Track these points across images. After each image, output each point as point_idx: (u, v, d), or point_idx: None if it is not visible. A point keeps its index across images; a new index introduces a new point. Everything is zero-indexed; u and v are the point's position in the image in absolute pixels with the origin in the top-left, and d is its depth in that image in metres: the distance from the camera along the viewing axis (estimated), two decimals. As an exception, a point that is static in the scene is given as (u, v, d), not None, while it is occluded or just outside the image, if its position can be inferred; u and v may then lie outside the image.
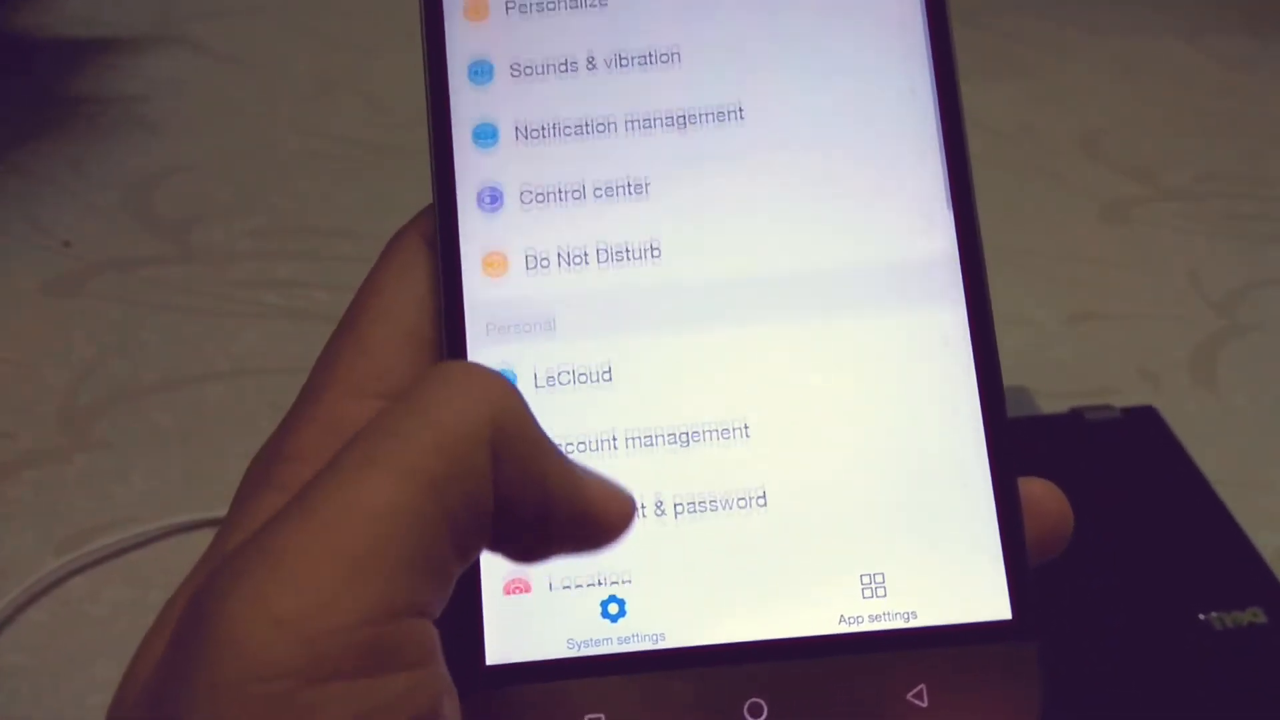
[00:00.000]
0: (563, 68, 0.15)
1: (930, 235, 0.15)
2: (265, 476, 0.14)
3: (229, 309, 0.51)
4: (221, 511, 0.42)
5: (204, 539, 0.43)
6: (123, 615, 0.39)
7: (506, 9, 0.16)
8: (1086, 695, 0.36)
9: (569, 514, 0.12)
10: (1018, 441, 0.48)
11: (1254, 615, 0.38)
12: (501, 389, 0.12)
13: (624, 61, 0.15)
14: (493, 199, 0.16)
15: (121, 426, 0.46)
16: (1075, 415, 0.45)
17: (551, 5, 0.15)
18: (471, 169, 0.15)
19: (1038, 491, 0.15)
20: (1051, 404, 0.47)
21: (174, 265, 0.53)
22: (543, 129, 0.16)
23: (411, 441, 0.11)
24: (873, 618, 0.14)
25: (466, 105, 0.16)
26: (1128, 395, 0.48)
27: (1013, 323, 0.53)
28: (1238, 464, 0.47)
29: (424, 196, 0.62)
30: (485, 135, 0.16)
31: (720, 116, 0.15)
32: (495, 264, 0.15)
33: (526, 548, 0.12)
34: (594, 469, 0.13)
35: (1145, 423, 0.45)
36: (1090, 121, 0.66)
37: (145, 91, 0.62)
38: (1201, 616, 0.38)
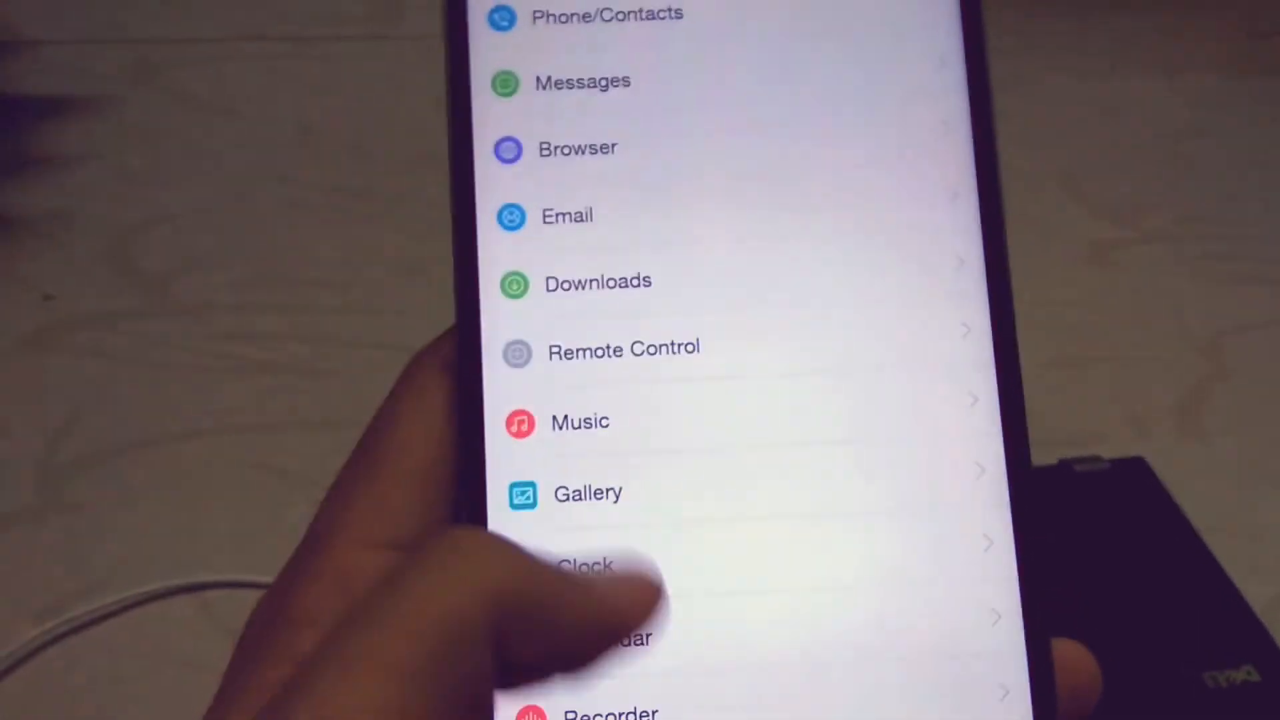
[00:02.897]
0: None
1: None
2: (271, 641, 0.13)
3: (208, 364, 0.50)
4: (202, 576, 0.42)
5: (183, 605, 0.42)
6: (100, 686, 0.38)
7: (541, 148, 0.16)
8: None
9: (589, 632, 0.12)
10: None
11: (1248, 673, 0.38)
12: (505, 560, 0.12)
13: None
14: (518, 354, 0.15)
15: (99, 487, 0.45)
16: (1064, 467, 0.45)
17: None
18: (499, 318, 0.15)
19: (1070, 653, 0.15)
20: (1038, 453, 0.46)
21: (154, 319, 0.52)
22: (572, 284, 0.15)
23: (394, 633, 0.11)
24: None
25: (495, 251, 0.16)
26: (1114, 442, 0.48)
27: (999, 369, 0.53)
28: (1226, 512, 0.47)
29: (404, 243, 0.61)
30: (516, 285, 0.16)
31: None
32: (521, 422, 0.15)
33: (546, 678, 0.12)
34: (612, 563, 0.13)
35: (1134, 474, 0.45)
36: (1069, 163, 0.67)
37: (126, 142, 0.62)
38: (1193, 674, 0.38)
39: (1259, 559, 0.46)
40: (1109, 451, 0.46)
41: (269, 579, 0.45)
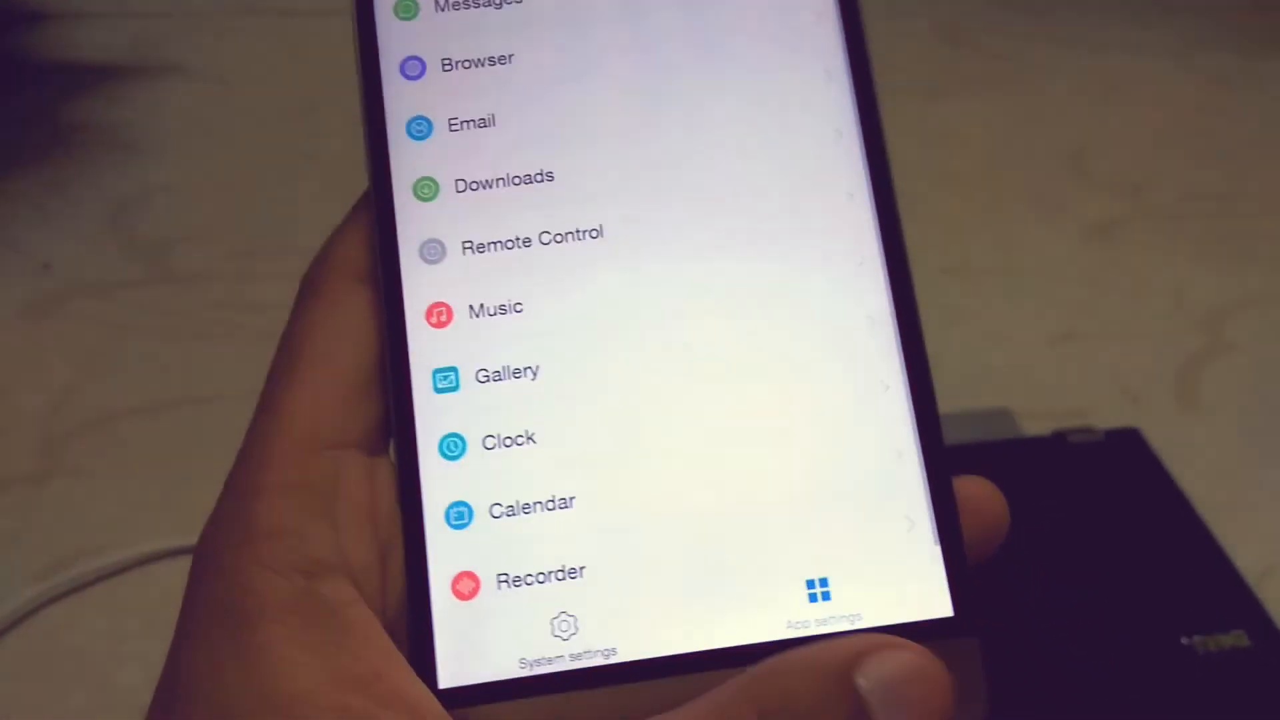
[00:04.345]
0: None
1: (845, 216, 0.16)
2: (245, 552, 0.13)
3: (208, 331, 0.51)
4: (195, 537, 0.42)
5: (182, 566, 0.43)
6: (99, 644, 0.39)
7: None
8: (1065, 716, 0.36)
9: None
10: (1001, 464, 0.48)
11: (1237, 639, 0.38)
12: None
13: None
14: (433, 252, 0.16)
15: (98, 452, 0.45)
16: (1058, 437, 0.45)
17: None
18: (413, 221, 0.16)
19: (974, 490, 0.15)
20: (1034, 425, 0.47)
21: (153, 287, 0.53)
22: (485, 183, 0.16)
23: None
24: (819, 622, 0.14)
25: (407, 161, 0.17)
26: (1111, 415, 0.48)
27: (995, 342, 0.53)
28: (1221, 484, 0.47)
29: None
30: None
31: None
32: (440, 313, 0.16)
33: None
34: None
35: (1128, 445, 0.45)
36: (1074, 140, 0.66)
37: (126, 113, 0.62)
38: (1185, 640, 0.38)
39: (1253, 531, 0.46)
40: (1106, 424, 0.46)
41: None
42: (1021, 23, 0.75)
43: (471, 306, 0.16)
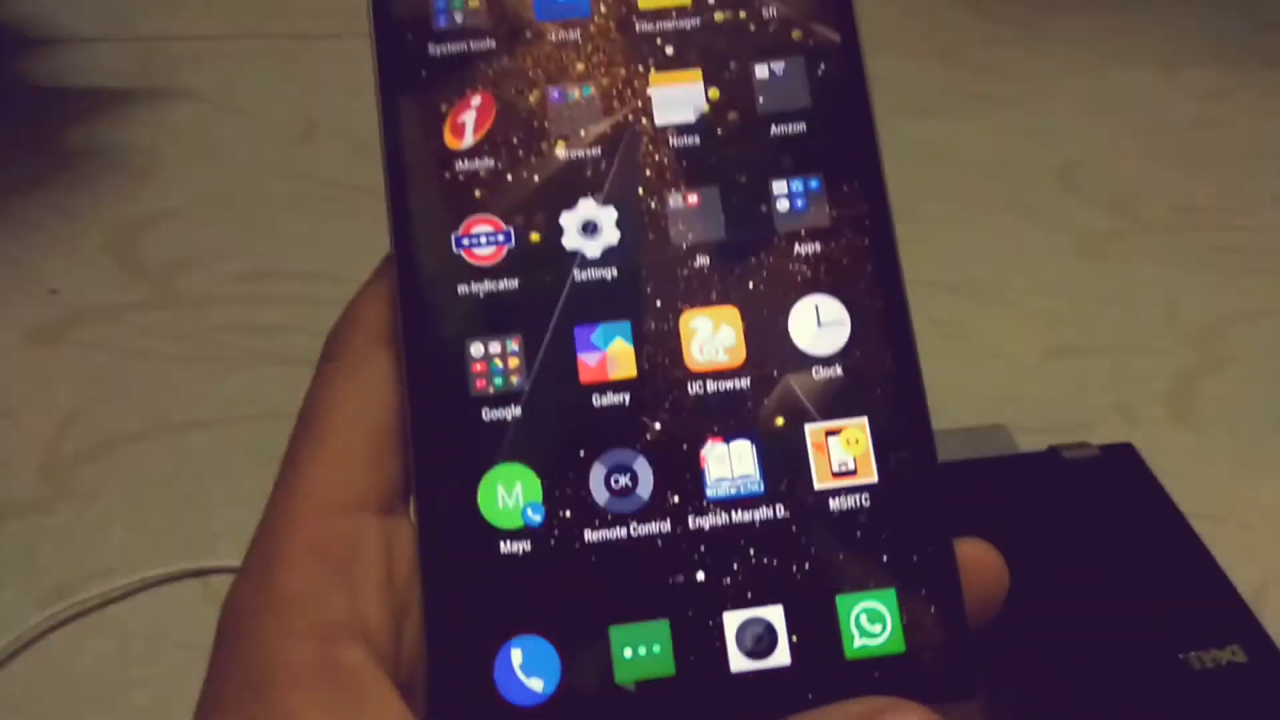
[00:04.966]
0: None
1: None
2: (268, 617, 0.13)
3: (214, 354, 0.51)
4: (206, 561, 0.43)
5: (186, 590, 0.43)
6: (106, 669, 0.39)
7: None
8: (1067, 737, 0.36)
9: None
10: (997, 480, 0.48)
11: (1233, 654, 0.39)
12: None
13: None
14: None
15: (105, 476, 0.46)
16: (1053, 453, 0.45)
17: None
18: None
19: (975, 553, 0.15)
20: (1029, 440, 0.47)
21: (159, 310, 0.53)
22: None
23: None
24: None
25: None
26: (1105, 431, 0.49)
27: (990, 358, 0.53)
28: (1215, 499, 0.48)
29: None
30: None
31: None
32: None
33: None
34: None
35: (1123, 460, 0.45)
36: (1067, 155, 0.67)
37: (132, 139, 0.63)
38: (1182, 656, 0.38)
39: (1249, 546, 0.46)
40: (1101, 440, 0.46)
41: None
42: (1013, 39, 0.75)
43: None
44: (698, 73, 0.16)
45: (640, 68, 0.16)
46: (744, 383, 0.15)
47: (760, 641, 0.15)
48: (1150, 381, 0.53)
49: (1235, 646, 0.39)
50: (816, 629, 0.15)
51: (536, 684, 0.14)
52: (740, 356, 0.16)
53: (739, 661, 0.15)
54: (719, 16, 0.16)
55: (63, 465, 0.46)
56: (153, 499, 0.45)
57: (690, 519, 0.15)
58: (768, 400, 0.15)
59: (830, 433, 0.15)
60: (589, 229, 0.16)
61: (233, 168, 0.62)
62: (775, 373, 0.15)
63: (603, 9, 0.16)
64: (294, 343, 0.52)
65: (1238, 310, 0.57)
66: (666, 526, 0.15)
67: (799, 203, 0.16)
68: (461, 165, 0.16)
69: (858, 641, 0.15)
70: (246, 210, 0.59)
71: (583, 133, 0.16)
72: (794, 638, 0.15)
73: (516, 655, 0.14)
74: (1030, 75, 0.73)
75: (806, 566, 0.15)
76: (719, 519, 0.15)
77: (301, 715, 0.13)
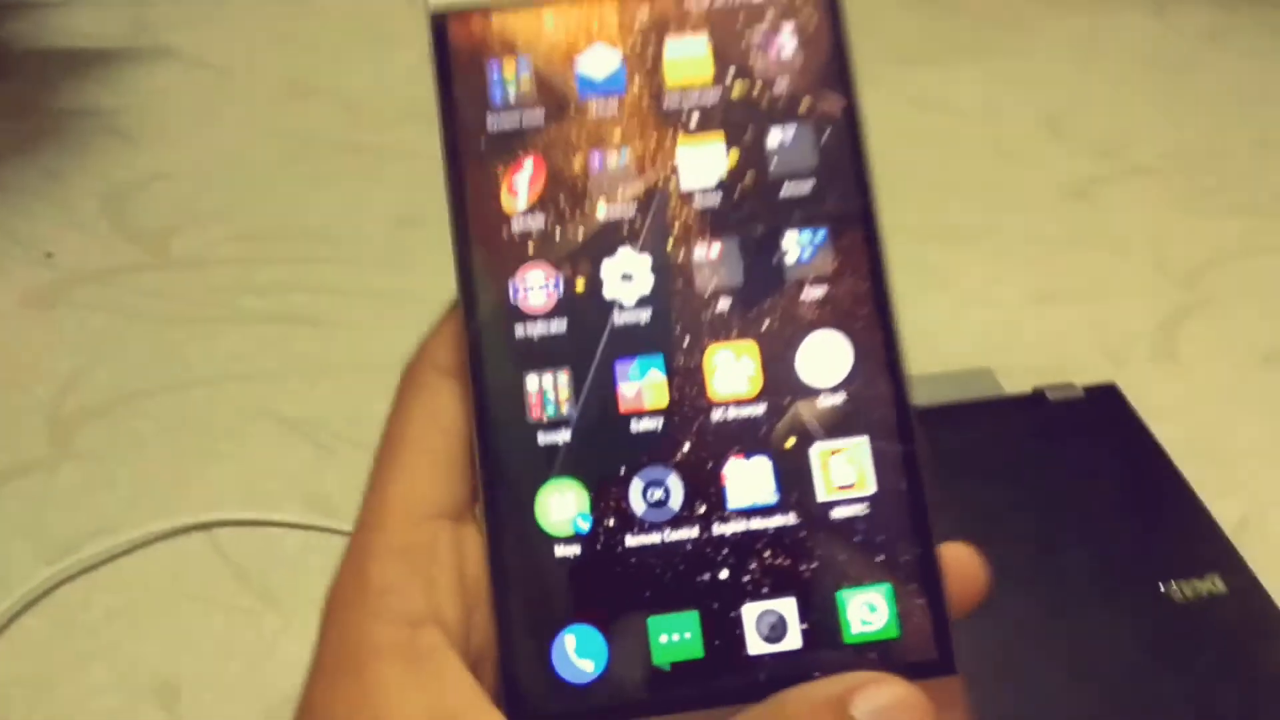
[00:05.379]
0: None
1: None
2: (361, 607, 0.16)
3: (209, 315, 0.52)
4: (209, 515, 0.44)
5: (192, 544, 0.44)
6: (115, 621, 0.40)
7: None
8: (1049, 668, 0.37)
9: None
10: (982, 422, 0.49)
11: (1212, 584, 0.40)
12: None
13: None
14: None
15: (106, 435, 0.47)
16: (1038, 395, 0.46)
17: None
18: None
19: (959, 554, 0.17)
20: (1016, 383, 0.48)
21: (154, 273, 0.54)
22: None
23: None
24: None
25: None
26: (1091, 372, 0.49)
27: (977, 304, 0.54)
28: (1198, 436, 0.48)
29: (397, 195, 0.62)
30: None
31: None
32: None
33: None
34: None
35: (1107, 401, 0.46)
36: (1055, 100, 0.67)
37: (123, 101, 0.63)
38: (1163, 587, 0.39)
39: (1230, 481, 0.47)
40: (1086, 381, 0.47)
41: (277, 517, 0.46)
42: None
43: None
44: (719, 138, 0.18)
45: (669, 136, 0.18)
46: (760, 409, 0.18)
47: (774, 629, 0.17)
48: (1135, 323, 0.53)
49: (1215, 576, 0.40)
50: (822, 618, 0.17)
51: (588, 665, 0.17)
52: (757, 386, 0.18)
53: (757, 645, 0.17)
54: (736, 91, 0.18)
55: (65, 425, 0.47)
56: (155, 456, 0.46)
57: (714, 526, 0.17)
58: (780, 424, 0.18)
59: (834, 452, 0.18)
60: (626, 277, 0.18)
61: (224, 129, 0.62)
62: (787, 400, 0.18)
63: (636, 86, 0.18)
64: (289, 301, 0.52)
65: (1223, 251, 0.57)
66: (694, 532, 0.17)
67: (807, 252, 0.18)
68: (516, 223, 0.18)
69: (857, 629, 0.17)
70: (239, 171, 0.59)
71: (620, 193, 0.18)
72: (803, 625, 0.17)
73: (570, 641, 0.17)
74: (1018, 20, 0.72)
75: (813, 566, 0.17)
76: (739, 526, 0.17)
77: (389, 685, 0.15)
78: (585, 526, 0.17)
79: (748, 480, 0.18)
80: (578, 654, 0.17)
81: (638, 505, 0.17)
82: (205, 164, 0.59)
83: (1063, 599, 0.39)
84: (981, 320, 0.53)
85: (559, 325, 0.18)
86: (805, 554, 0.17)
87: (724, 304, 0.18)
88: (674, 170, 0.18)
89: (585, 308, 0.18)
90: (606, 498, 0.17)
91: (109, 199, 0.57)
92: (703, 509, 0.17)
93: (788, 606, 0.17)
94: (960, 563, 0.17)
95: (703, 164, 0.18)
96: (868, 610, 0.17)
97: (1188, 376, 0.51)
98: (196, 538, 0.43)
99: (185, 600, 0.41)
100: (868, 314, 0.18)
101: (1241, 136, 0.65)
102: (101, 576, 0.42)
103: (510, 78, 0.18)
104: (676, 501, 0.17)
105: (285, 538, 0.43)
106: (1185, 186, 0.61)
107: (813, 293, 0.18)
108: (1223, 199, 0.60)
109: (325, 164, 0.60)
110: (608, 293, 0.18)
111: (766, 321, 0.18)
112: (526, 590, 0.17)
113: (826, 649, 0.17)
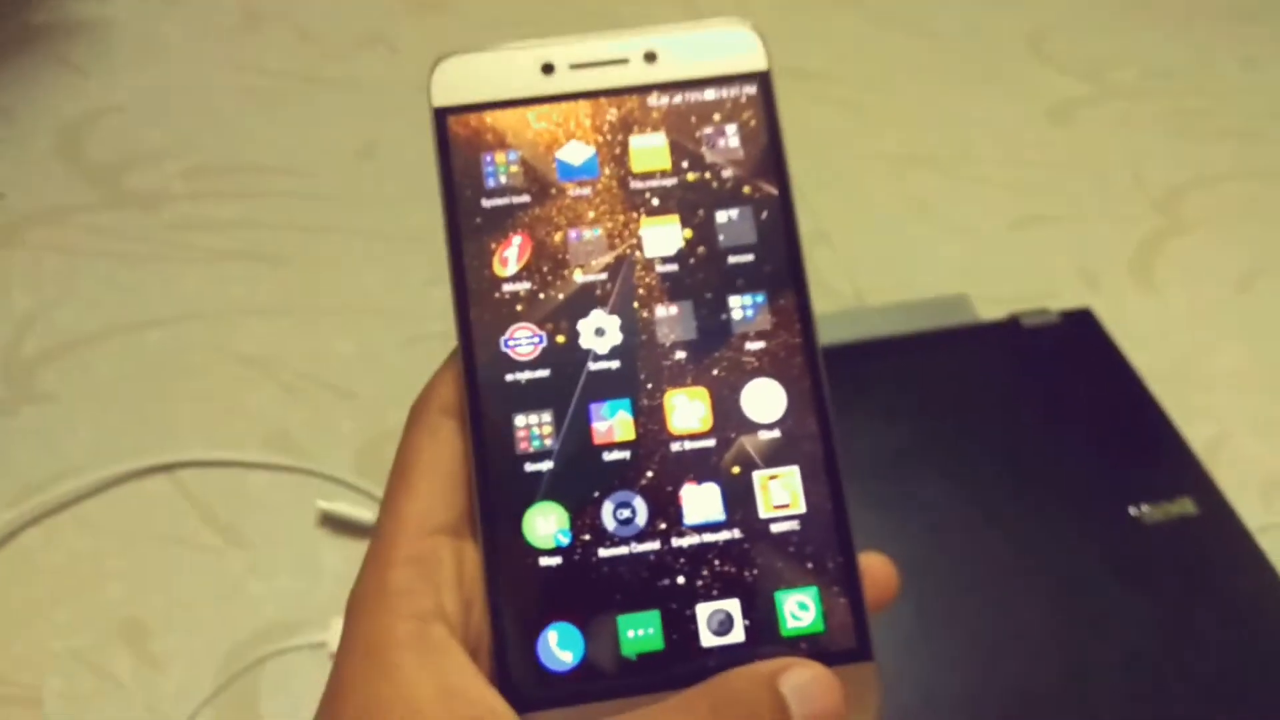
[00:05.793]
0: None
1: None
2: (382, 605, 0.19)
3: (166, 254, 0.51)
4: (171, 456, 0.43)
5: (155, 484, 0.44)
6: (80, 563, 0.40)
7: None
8: (1019, 589, 0.37)
9: None
10: (957, 349, 0.48)
11: (1183, 506, 0.40)
12: None
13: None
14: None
15: (65, 377, 0.46)
16: (1012, 322, 0.45)
17: None
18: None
19: (874, 562, 0.21)
20: (992, 309, 0.47)
21: (109, 211, 0.52)
22: None
23: None
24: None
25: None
26: (1069, 297, 0.49)
27: (956, 230, 0.53)
28: (1174, 360, 0.48)
29: (356, 128, 0.60)
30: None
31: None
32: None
33: None
34: None
35: (1082, 326, 0.45)
36: (1037, 20, 0.65)
37: (70, 33, 0.61)
38: (1133, 510, 0.39)
39: (1203, 405, 0.47)
40: (1063, 306, 0.46)
41: (239, 457, 0.45)
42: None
43: None
44: (676, 218, 0.22)
45: (634, 214, 0.22)
46: (710, 442, 0.21)
47: (723, 624, 0.20)
48: (1114, 247, 0.53)
49: (1186, 499, 0.40)
50: (762, 615, 0.20)
51: (567, 656, 0.20)
52: (708, 424, 0.21)
53: (708, 639, 0.20)
54: (690, 177, 0.22)
55: (23, 367, 0.46)
56: (115, 397, 0.45)
57: (673, 540, 0.21)
58: (727, 455, 0.21)
59: (772, 477, 0.21)
60: (599, 332, 0.21)
61: (176, 61, 0.60)
62: (732, 435, 0.21)
63: (607, 171, 0.22)
64: (246, 238, 0.51)
65: (1204, 174, 0.56)
66: (656, 545, 0.20)
67: (749, 312, 0.22)
68: (507, 287, 0.22)
69: (791, 624, 0.20)
70: (192, 105, 0.57)
71: (593, 262, 0.22)
72: (746, 621, 0.20)
73: (552, 636, 0.20)
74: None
75: (755, 572, 0.20)
76: (693, 539, 0.21)
77: (406, 669, 0.18)
78: (565, 540, 0.20)
79: (700, 501, 0.21)
80: (559, 647, 0.20)
81: (609, 523, 0.21)
82: (157, 98, 0.58)
83: (1033, 522, 0.39)
84: (961, 247, 0.52)
85: (543, 372, 0.21)
86: (748, 562, 0.20)
87: (680, 355, 0.21)
88: (638, 243, 0.22)
89: (565, 358, 0.21)
90: (583, 516, 0.20)
91: (61, 136, 0.56)
92: (663, 525, 0.21)
93: (734, 606, 0.20)
94: (875, 569, 0.21)
95: (662, 238, 0.22)
96: (799, 608, 0.20)
97: (1164, 301, 0.51)
98: (160, 478, 0.42)
99: (150, 541, 0.41)
100: (799, 364, 0.22)
101: (1226, 57, 0.63)
102: (65, 519, 0.41)
103: (501, 165, 0.22)
104: (641, 519, 0.21)
105: (249, 477, 0.42)
106: (1168, 108, 0.60)
107: (753, 346, 0.22)
108: (1208, 122, 0.59)
109: (281, 96, 0.58)
110: (583, 345, 0.21)
111: (715, 370, 0.21)
112: (515, 594, 0.20)
113: (765, 641, 0.20)
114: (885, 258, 0.51)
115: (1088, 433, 0.42)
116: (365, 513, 0.40)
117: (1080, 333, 0.45)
